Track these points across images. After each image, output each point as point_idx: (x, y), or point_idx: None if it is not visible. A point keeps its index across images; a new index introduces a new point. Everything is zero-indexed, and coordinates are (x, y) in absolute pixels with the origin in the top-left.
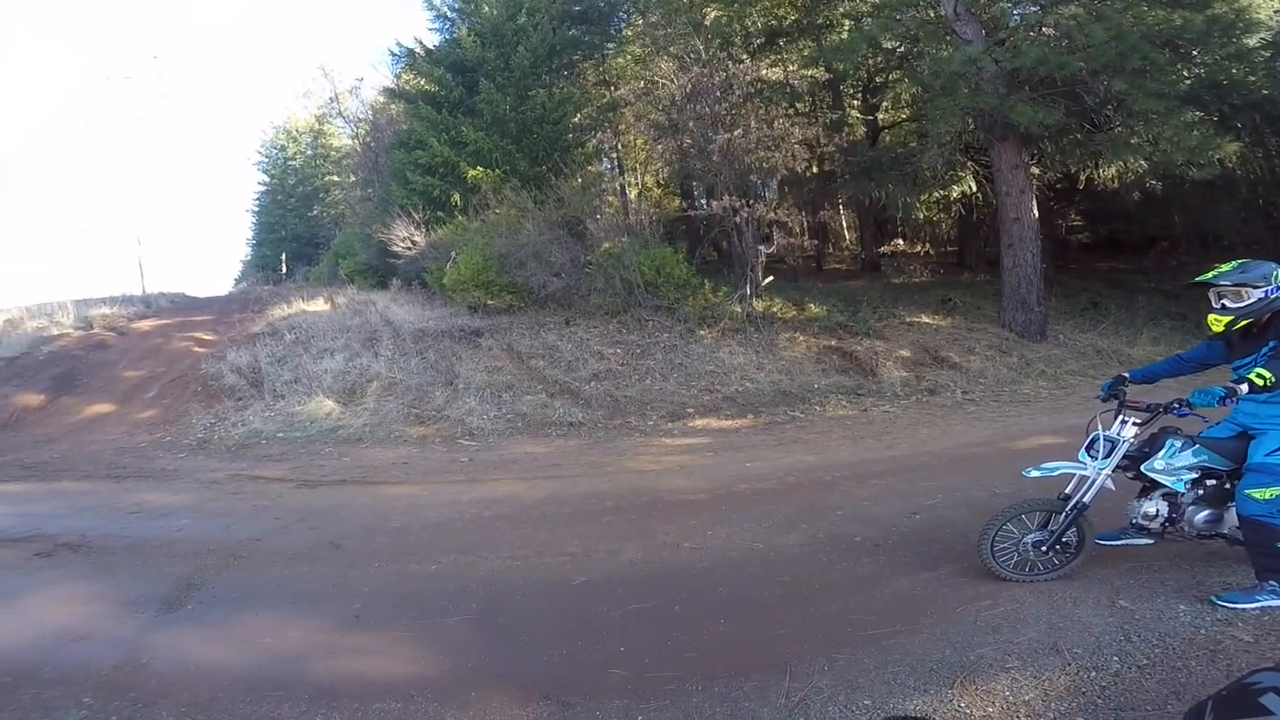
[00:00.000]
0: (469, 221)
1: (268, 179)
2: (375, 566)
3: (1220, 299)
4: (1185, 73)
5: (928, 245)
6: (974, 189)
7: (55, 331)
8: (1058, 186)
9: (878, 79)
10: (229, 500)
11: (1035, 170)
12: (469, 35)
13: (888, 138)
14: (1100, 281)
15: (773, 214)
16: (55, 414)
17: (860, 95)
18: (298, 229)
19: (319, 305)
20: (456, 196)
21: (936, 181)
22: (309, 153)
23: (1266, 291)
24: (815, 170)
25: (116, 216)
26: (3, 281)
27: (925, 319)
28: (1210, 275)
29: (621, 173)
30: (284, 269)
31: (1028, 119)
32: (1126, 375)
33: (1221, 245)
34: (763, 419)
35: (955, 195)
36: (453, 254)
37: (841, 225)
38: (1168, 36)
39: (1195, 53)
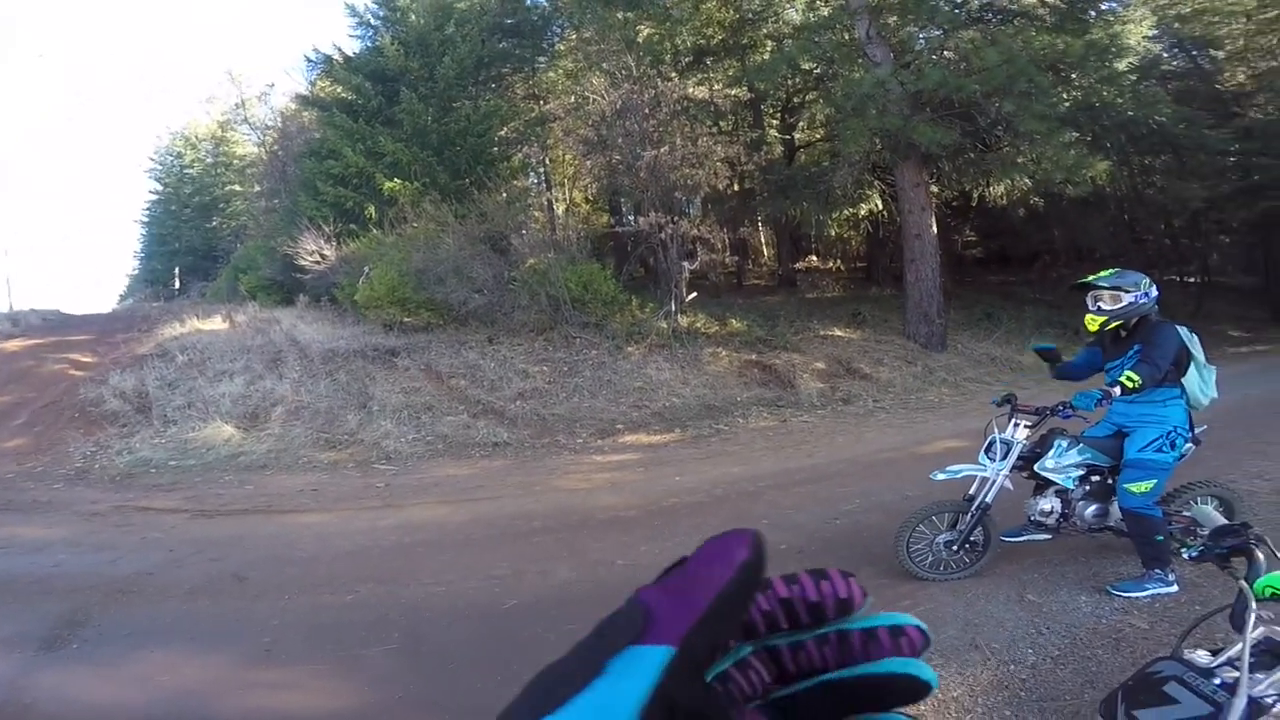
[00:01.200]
0: (384, 235)
1: (161, 188)
2: (285, 598)
3: (1097, 301)
4: (1064, 95)
5: (839, 261)
6: (880, 207)
7: None
8: (954, 204)
9: (795, 99)
10: (113, 533)
11: (934, 189)
12: (392, 43)
13: (803, 157)
14: (993, 294)
15: (696, 230)
16: None
17: (779, 115)
18: (193, 241)
19: (216, 323)
20: (371, 209)
21: (847, 200)
22: (209, 161)
23: (1136, 297)
24: (736, 188)
25: None
26: None
27: (838, 332)
28: (1091, 279)
29: (549, 188)
30: (177, 284)
31: (928, 139)
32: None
33: (1094, 258)
34: (689, 433)
35: (864, 213)
36: (366, 269)
37: (760, 242)
38: (1051, 60)
39: (1074, 76)
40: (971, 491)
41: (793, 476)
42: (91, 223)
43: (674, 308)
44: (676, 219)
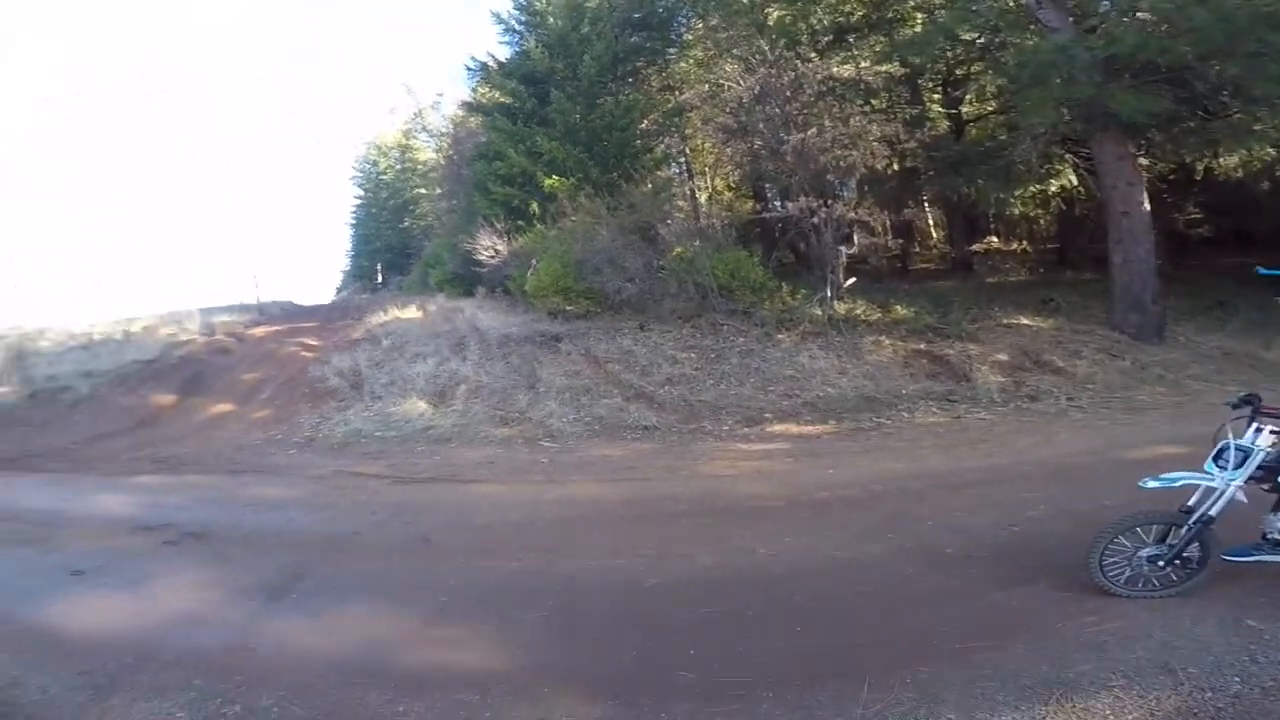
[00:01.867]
0: (547, 229)
1: (362, 193)
2: (461, 561)
3: None
4: None
5: (1024, 242)
6: (1075, 182)
7: (184, 338)
8: (1171, 178)
9: (958, 71)
10: (333, 495)
11: (1144, 161)
12: (537, 47)
13: (974, 131)
14: (1227, 279)
15: (853, 213)
16: (185, 412)
17: (941, 89)
18: (391, 240)
19: (412, 313)
20: (535, 205)
21: (1032, 175)
22: (398, 167)
23: None
24: (897, 167)
25: (233, 229)
26: (138, 290)
27: (1024, 320)
28: None
29: (690, 177)
30: (379, 278)
31: (1129, 108)
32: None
33: None
34: (846, 425)
35: (1054, 189)
36: (533, 261)
37: (928, 223)
38: None
39: None
40: (1191, 502)
41: (965, 477)
42: (313, 224)
43: (829, 294)
44: (829, 202)
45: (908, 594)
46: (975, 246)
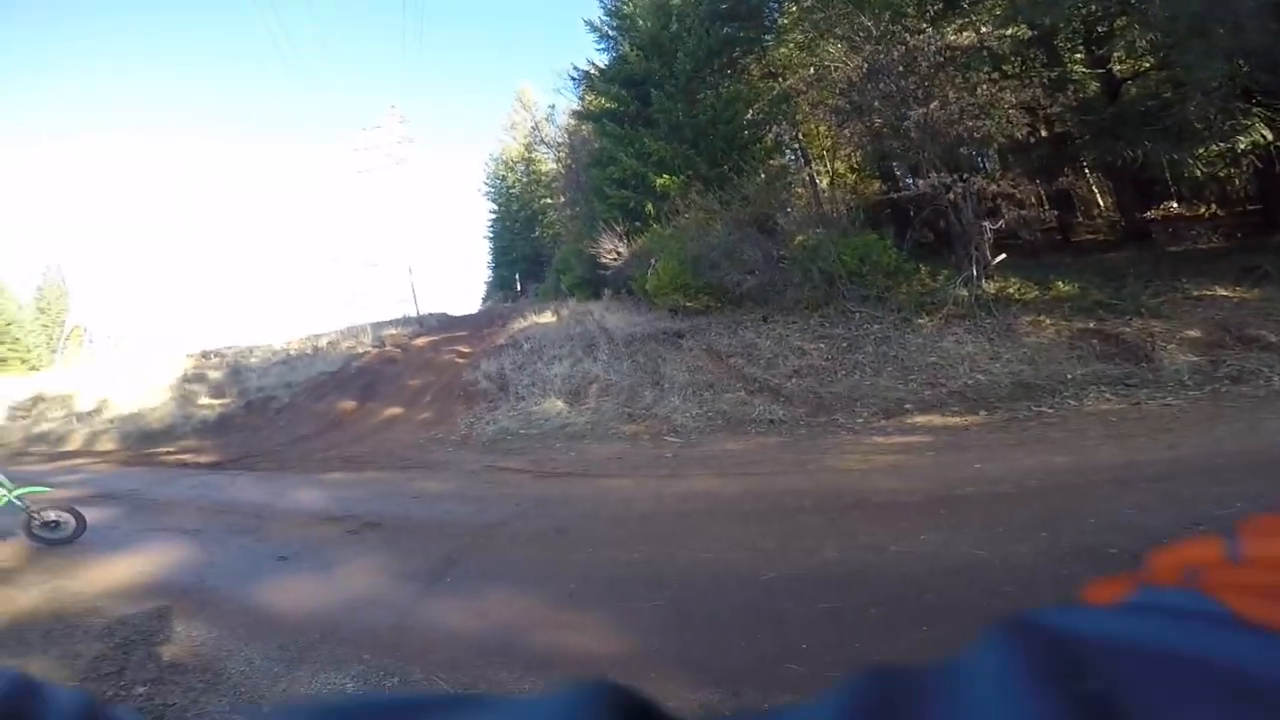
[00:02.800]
0: (663, 229)
1: (496, 207)
2: (590, 551)
3: None
4: None
5: (1213, 206)
6: (1270, 137)
7: (360, 350)
8: None
9: (1099, 28)
10: (483, 488)
11: None
12: (631, 50)
13: (1133, 90)
14: None
15: (995, 186)
16: (363, 416)
17: (1083, 47)
18: (525, 250)
19: (548, 318)
20: (649, 205)
21: (1212, 134)
22: (524, 179)
23: None
24: (1044, 134)
25: (391, 249)
26: (314, 311)
27: (1221, 291)
28: None
29: (807, 162)
30: (519, 287)
31: None
32: None
33: None
34: (999, 415)
35: (1243, 146)
36: (652, 261)
37: (1091, 191)
38: None
39: None
40: None
41: (1141, 471)
42: (456, 238)
43: (975, 272)
44: (967, 176)
45: (1056, 597)
46: (1151, 213)
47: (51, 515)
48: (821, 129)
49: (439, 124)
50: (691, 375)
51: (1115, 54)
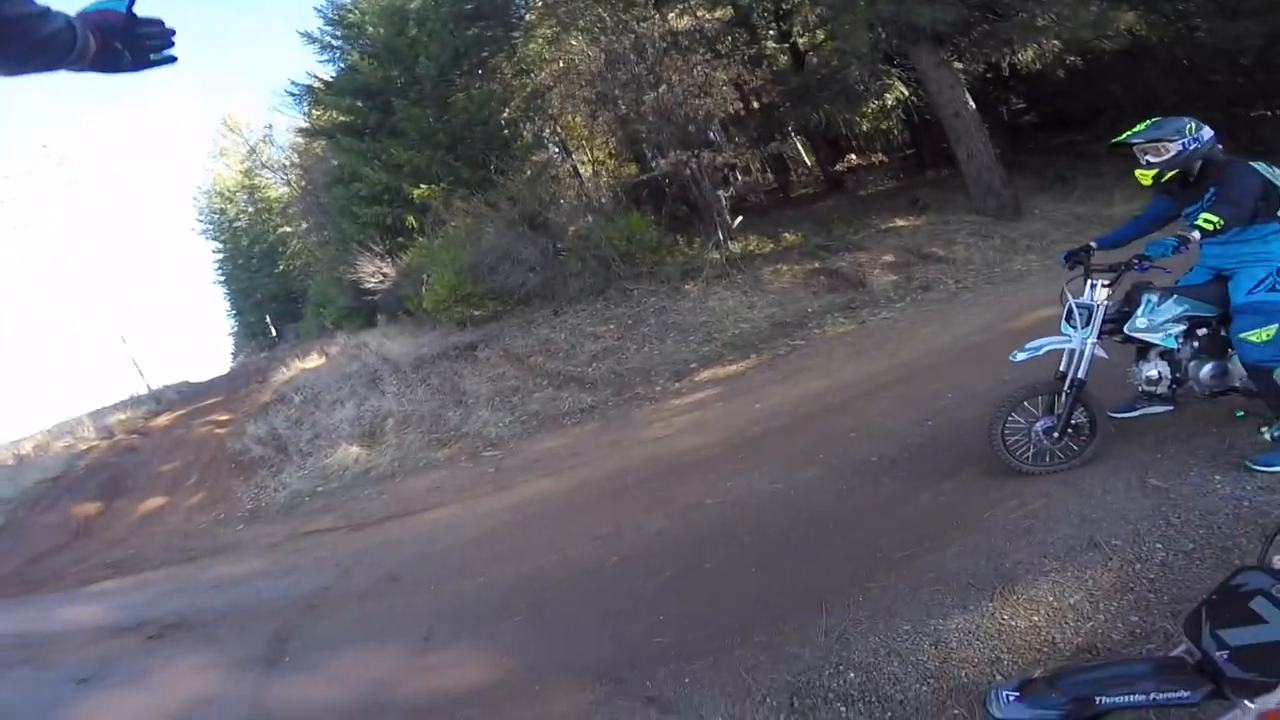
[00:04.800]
0: (429, 241)
1: (221, 245)
2: (432, 590)
3: (1144, 155)
4: None
5: (881, 154)
6: (907, 93)
7: (82, 446)
8: (988, 76)
9: (783, 5)
10: (292, 558)
11: (959, 65)
12: (363, 59)
13: (814, 59)
14: (1061, 155)
15: (722, 157)
16: (115, 516)
17: (774, 25)
18: (270, 288)
19: (315, 360)
20: (410, 218)
21: (869, 93)
22: (250, 210)
23: (1184, 143)
24: (757, 106)
25: (93, 320)
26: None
27: (900, 222)
28: (1125, 136)
29: (569, 154)
30: (273, 332)
31: (927, 19)
32: (1093, 244)
33: (1163, 105)
34: (765, 356)
35: (891, 103)
36: (424, 276)
37: (798, 151)
38: None
39: None
40: (1062, 368)
41: (878, 380)
42: (180, 290)
43: (721, 236)
44: (699, 151)
45: (845, 512)
46: (839, 166)
47: None
48: (577, 120)
49: (117, 160)
50: (495, 384)
51: (795, 29)
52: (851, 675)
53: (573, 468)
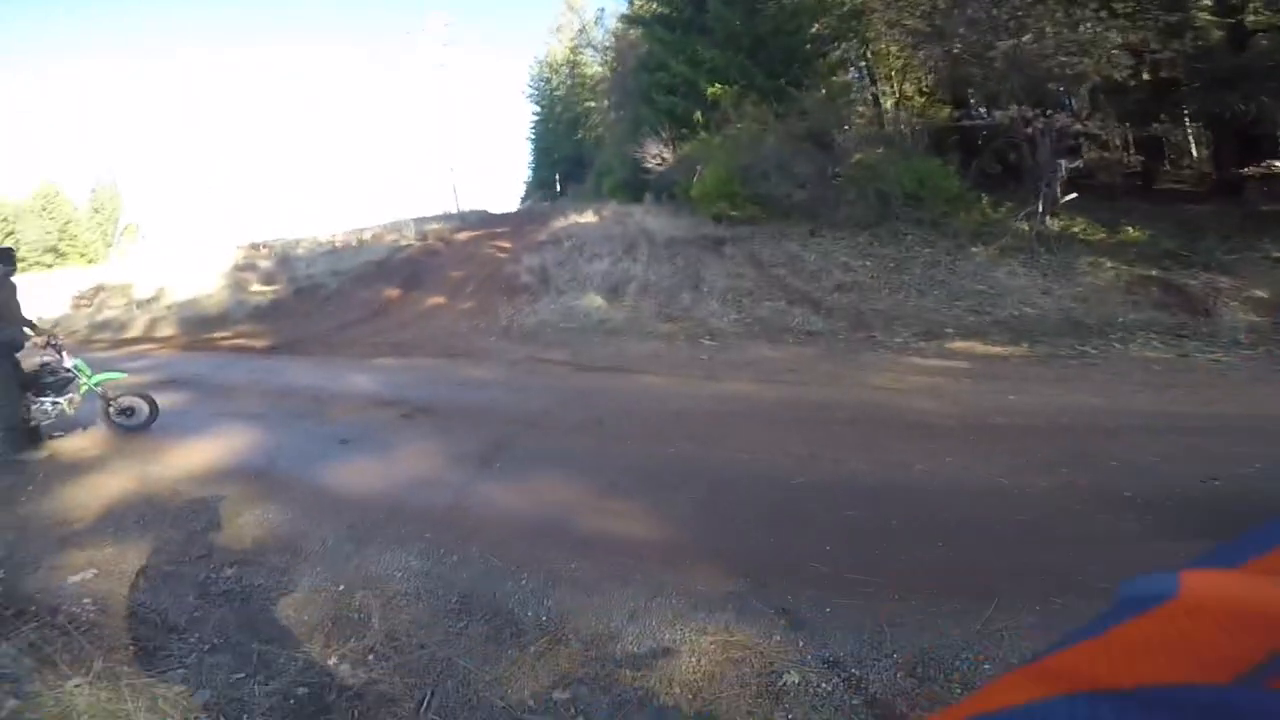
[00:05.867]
0: (712, 137)
1: (539, 109)
2: (629, 444)
3: None
4: None
5: None
6: None
7: (403, 243)
8: None
9: None
10: (526, 378)
11: None
12: None
13: (1264, 42)
14: None
15: (1080, 125)
16: (407, 304)
17: None
18: (567, 151)
19: (589, 217)
20: (699, 114)
21: None
22: (569, 82)
23: None
24: (1147, 78)
25: (437, 148)
26: (356, 205)
27: None
28: None
29: (873, 82)
30: (559, 187)
31: None
32: None
33: None
34: (1040, 349)
35: None
36: (698, 168)
37: (1186, 140)
38: None
39: None
40: None
41: (1174, 422)
42: (497, 139)
43: (1041, 208)
44: (1050, 112)
45: (1066, 531)
46: (1249, 169)
47: (127, 402)
48: (893, 49)
49: (484, 25)
50: (732, 281)
51: (1252, 3)
52: (988, 667)
53: (784, 382)
